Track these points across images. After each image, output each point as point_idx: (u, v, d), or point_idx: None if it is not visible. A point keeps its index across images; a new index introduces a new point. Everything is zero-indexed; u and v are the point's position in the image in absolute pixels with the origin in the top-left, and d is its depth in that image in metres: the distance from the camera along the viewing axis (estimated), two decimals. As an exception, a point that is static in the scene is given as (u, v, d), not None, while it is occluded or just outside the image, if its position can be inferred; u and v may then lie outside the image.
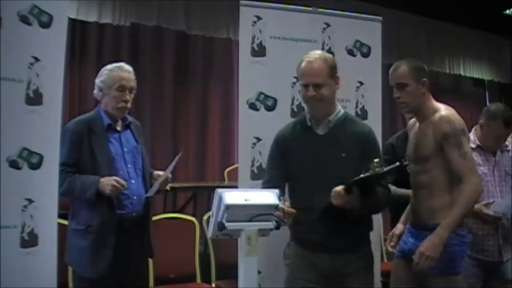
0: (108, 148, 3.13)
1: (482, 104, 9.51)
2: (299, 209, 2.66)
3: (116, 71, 3.21)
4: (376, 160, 2.56)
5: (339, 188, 2.63)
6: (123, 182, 3.01)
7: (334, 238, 2.79)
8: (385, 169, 2.57)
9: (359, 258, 2.88)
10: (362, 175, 2.56)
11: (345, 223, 2.76)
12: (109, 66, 3.26)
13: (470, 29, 9.68)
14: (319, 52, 3.04)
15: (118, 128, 3.23)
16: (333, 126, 2.90)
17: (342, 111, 2.95)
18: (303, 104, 3.08)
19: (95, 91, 3.25)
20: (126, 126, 3.28)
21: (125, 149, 3.20)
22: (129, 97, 3.21)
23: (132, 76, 3.24)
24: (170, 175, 3.24)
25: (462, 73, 10.10)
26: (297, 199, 2.85)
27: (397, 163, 2.62)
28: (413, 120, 3.10)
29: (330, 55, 3.02)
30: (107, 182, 2.98)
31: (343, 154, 2.83)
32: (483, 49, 10.11)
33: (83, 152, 3.09)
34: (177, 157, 3.17)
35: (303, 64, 2.88)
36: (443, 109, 2.90)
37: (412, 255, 2.76)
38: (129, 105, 3.22)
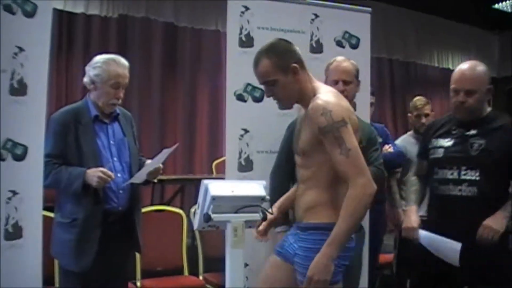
0: (94, 140, 3.08)
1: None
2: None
3: (112, 66, 3.11)
4: None
5: None
6: (109, 173, 2.97)
7: None
8: None
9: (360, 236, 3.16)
10: None
11: None
12: (103, 57, 3.15)
13: (459, 23, 9.70)
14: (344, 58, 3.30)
15: (106, 120, 3.18)
16: None
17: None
18: None
19: (86, 80, 3.15)
20: (114, 118, 3.22)
21: (111, 142, 3.15)
22: (122, 94, 3.15)
23: (127, 71, 3.17)
24: (161, 166, 3.19)
25: (450, 66, 10.12)
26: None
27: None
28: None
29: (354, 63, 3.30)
30: (94, 174, 2.94)
31: (361, 144, 2.91)
32: (472, 43, 10.15)
33: (69, 143, 3.03)
34: (174, 147, 3.11)
35: (336, 63, 3.25)
36: (320, 95, 2.46)
37: (290, 257, 2.52)
38: (120, 101, 3.17)
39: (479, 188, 2.88)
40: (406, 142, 4.49)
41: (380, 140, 4.66)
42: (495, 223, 2.81)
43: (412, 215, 3.10)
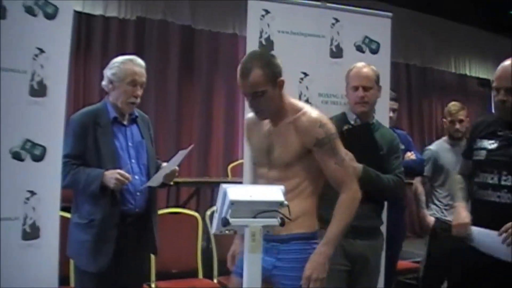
0: (113, 141, 3.08)
1: (487, 104, 9.53)
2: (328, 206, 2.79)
3: (128, 64, 3.13)
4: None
5: None
6: (127, 175, 2.97)
7: (362, 224, 2.93)
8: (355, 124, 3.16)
9: (378, 243, 3.22)
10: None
11: (370, 210, 3.07)
12: (120, 58, 3.17)
13: (476, 29, 9.64)
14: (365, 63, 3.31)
15: (124, 122, 3.18)
16: (373, 126, 3.22)
17: (375, 118, 3.31)
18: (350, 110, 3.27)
19: (104, 83, 3.16)
20: (133, 120, 3.23)
21: (129, 144, 3.14)
22: (139, 92, 3.14)
23: (144, 70, 3.17)
24: (177, 168, 3.18)
25: (467, 72, 10.08)
26: (329, 197, 2.89)
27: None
28: (250, 117, 2.76)
29: (375, 68, 3.29)
30: (111, 175, 2.94)
31: (381, 152, 3.14)
32: (489, 49, 10.06)
33: (87, 145, 3.03)
34: (189, 148, 3.12)
35: (355, 69, 3.24)
36: (307, 110, 2.59)
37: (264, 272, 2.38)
38: (138, 100, 3.16)
39: None
40: (440, 147, 4.44)
41: (402, 147, 4.64)
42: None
43: (462, 211, 2.93)
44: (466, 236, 2.87)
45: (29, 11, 3.08)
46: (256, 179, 2.76)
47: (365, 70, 3.22)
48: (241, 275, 2.41)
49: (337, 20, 3.70)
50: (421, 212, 4.47)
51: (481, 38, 9.93)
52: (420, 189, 4.46)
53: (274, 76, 2.52)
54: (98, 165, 3.02)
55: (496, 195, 2.79)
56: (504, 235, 2.65)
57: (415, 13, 8.83)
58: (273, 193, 2.23)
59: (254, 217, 2.18)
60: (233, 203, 2.11)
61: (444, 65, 9.81)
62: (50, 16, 3.14)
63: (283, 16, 3.60)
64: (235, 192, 2.13)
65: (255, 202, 2.16)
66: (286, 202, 2.22)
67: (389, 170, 3.15)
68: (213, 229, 2.23)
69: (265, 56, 2.62)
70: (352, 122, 3.20)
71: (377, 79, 3.24)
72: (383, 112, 3.73)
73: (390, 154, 3.19)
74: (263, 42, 3.56)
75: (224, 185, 2.15)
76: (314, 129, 2.51)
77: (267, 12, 3.55)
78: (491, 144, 2.88)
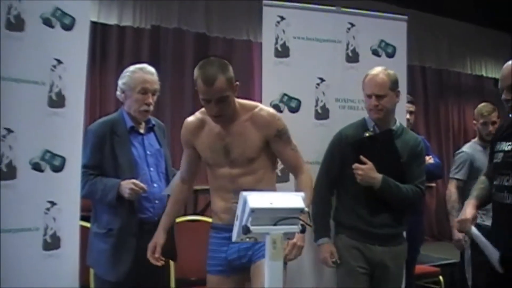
0: (130, 150, 3.11)
1: (503, 105, 9.43)
2: (348, 212, 3.18)
3: (138, 73, 3.16)
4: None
5: (355, 165, 3.06)
6: (141, 185, 2.98)
7: (381, 231, 3.14)
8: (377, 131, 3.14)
9: (399, 250, 3.25)
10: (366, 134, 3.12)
11: (389, 219, 3.15)
12: (131, 68, 3.21)
13: (491, 29, 9.57)
14: (382, 67, 3.25)
15: (141, 131, 3.20)
16: (394, 133, 3.20)
17: (399, 123, 3.29)
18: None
19: (118, 93, 3.21)
20: (150, 129, 3.24)
21: (148, 152, 3.17)
22: (151, 100, 3.16)
23: (155, 78, 3.20)
24: None
25: (484, 73, 10.00)
26: (348, 203, 3.24)
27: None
28: (192, 121, 2.91)
29: (392, 71, 3.25)
30: (126, 185, 2.97)
31: (402, 160, 3.15)
32: (505, 49, 9.98)
33: (105, 154, 3.07)
34: None
35: (369, 76, 3.20)
36: (262, 106, 2.89)
37: (244, 260, 2.82)
38: (151, 108, 3.18)
39: None
40: (473, 149, 4.31)
41: None
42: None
43: (468, 207, 2.85)
44: (467, 232, 2.85)
45: (47, 22, 3.09)
46: (216, 180, 2.88)
47: (379, 77, 3.17)
48: (222, 272, 2.85)
49: (352, 25, 3.70)
50: (452, 222, 4.06)
51: (497, 39, 9.86)
52: (454, 197, 4.18)
53: (232, 81, 2.71)
54: (115, 174, 3.05)
55: (510, 198, 2.71)
56: None
57: (429, 15, 8.79)
58: (293, 200, 2.22)
59: (275, 224, 2.16)
60: (253, 210, 2.10)
61: (460, 67, 9.75)
62: (67, 27, 3.15)
63: (298, 22, 3.60)
64: (256, 199, 2.12)
65: (276, 209, 2.15)
66: (306, 209, 2.21)
67: (410, 179, 3.16)
68: (233, 237, 2.22)
69: (223, 62, 2.75)
70: (371, 129, 3.20)
71: (392, 85, 3.19)
72: (400, 115, 3.71)
73: (412, 161, 3.19)
74: (279, 49, 3.56)
75: (244, 193, 2.14)
76: (274, 121, 2.78)
77: (282, 18, 3.56)
78: (507, 146, 2.80)
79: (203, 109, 2.83)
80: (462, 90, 10.01)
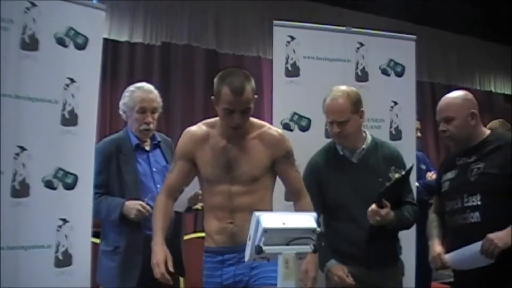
0: (135, 168, 3.14)
1: (517, 120, 9.43)
2: (337, 236, 2.98)
3: (136, 92, 3.19)
4: (392, 167, 2.90)
5: (372, 206, 2.81)
6: (148, 207, 3.00)
7: (373, 254, 2.94)
8: (403, 172, 2.88)
9: (395, 270, 3.10)
10: (387, 184, 2.84)
11: (383, 241, 2.94)
12: (130, 87, 3.24)
13: (500, 45, 9.57)
14: (342, 88, 3.05)
15: (147, 148, 3.22)
16: (365, 152, 3.05)
17: (370, 137, 3.10)
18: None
19: (121, 112, 3.26)
20: (155, 146, 3.26)
21: (154, 169, 3.18)
22: (151, 118, 3.16)
23: (153, 95, 3.20)
24: (199, 191, 3.09)
25: (493, 89, 9.98)
26: (336, 228, 3.04)
27: (410, 164, 2.98)
28: (196, 131, 2.80)
29: (353, 90, 3.06)
30: (133, 207, 3.00)
31: (380, 179, 2.94)
32: (514, 64, 10.00)
33: (111, 173, 3.10)
34: None
35: (328, 101, 3.01)
36: (270, 125, 2.84)
37: (237, 285, 2.70)
38: (152, 126, 3.19)
39: (481, 213, 2.77)
40: None
41: (423, 167, 4.61)
42: (499, 238, 2.64)
43: (434, 245, 2.95)
44: (443, 265, 2.90)
45: (60, 42, 3.14)
46: (212, 197, 2.74)
47: (339, 102, 2.97)
48: None
49: (361, 44, 3.74)
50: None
51: (506, 54, 9.84)
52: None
53: (254, 92, 2.65)
54: (121, 193, 3.08)
55: (462, 218, 2.86)
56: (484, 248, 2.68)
57: (438, 31, 8.81)
58: (306, 220, 2.23)
59: (287, 244, 2.18)
60: (266, 230, 2.12)
61: (469, 82, 9.73)
62: (81, 47, 3.20)
63: (308, 41, 3.65)
64: (268, 219, 2.14)
65: (288, 230, 2.17)
66: (319, 229, 2.23)
67: (402, 198, 3.01)
68: (246, 257, 2.24)
69: (247, 73, 2.69)
70: (340, 152, 3.07)
71: (354, 108, 3.00)
72: (409, 134, 3.74)
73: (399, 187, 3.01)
74: (289, 68, 3.60)
75: (257, 213, 2.16)
76: (284, 141, 2.74)
77: (292, 38, 3.60)
78: (451, 174, 2.98)
79: (207, 121, 2.80)
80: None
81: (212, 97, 2.67)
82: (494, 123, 4.39)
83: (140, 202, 3.01)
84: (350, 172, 3.02)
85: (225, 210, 2.69)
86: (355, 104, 3.00)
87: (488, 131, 2.98)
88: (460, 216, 2.87)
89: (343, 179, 3.01)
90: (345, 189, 2.98)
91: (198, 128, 2.80)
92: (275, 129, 2.81)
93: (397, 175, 2.87)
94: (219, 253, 2.71)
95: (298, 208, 2.77)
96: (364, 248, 2.94)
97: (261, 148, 2.70)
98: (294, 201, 2.85)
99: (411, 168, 2.96)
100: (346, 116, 2.96)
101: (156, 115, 3.21)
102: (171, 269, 2.62)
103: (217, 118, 2.74)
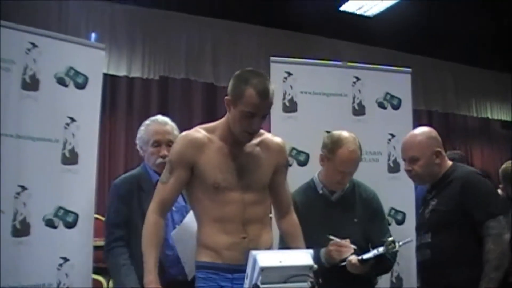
0: None
1: (511, 146, 9.44)
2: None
3: (151, 126, 3.05)
4: (390, 239, 2.71)
5: (355, 259, 2.74)
6: None
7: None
8: (397, 248, 2.71)
9: None
10: (377, 252, 2.71)
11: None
12: (146, 121, 3.09)
13: (496, 72, 9.65)
14: (353, 139, 2.96)
15: None
16: (344, 193, 3.02)
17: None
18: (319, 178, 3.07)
19: (138, 148, 3.09)
20: None
21: (173, 209, 2.87)
22: (166, 151, 2.90)
23: (168, 128, 3.04)
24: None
25: (489, 116, 10.02)
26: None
27: (409, 239, 2.80)
28: (197, 136, 2.50)
29: (357, 139, 2.98)
30: None
31: (355, 219, 2.96)
32: (510, 90, 10.05)
33: (133, 210, 2.86)
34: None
35: (346, 153, 2.88)
36: (267, 132, 2.64)
37: None
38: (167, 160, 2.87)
39: (431, 250, 2.81)
40: None
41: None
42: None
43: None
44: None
45: (61, 81, 3.19)
46: (220, 208, 2.45)
47: (356, 156, 2.92)
48: None
49: (358, 79, 3.77)
50: None
51: (501, 80, 9.92)
52: None
53: None
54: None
55: (420, 254, 2.92)
56: None
57: (434, 59, 8.90)
58: (302, 257, 2.24)
59: (285, 282, 2.18)
60: (263, 269, 2.12)
61: (466, 110, 9.78)
62: (81, 86, 3.26)
63: (305, 77, 3.68)
64: (265, 258, 2.15)
65: (285, 268, 2.17)
66: (315, 266, 2.23)
67: (377, 237, 2.92)
68: (244, 295, 2.24)
69: (267, 75, 2.56)
70: (320, 191, 3.03)
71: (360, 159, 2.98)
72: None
73: (373, 218, 3.03)
74: (287, 104, 3.63)
75: (253, 252, 2.17)
76: (285, 150, 2.68)
77: (289, 74, 3.63)
78: (420, 210, 3.05)
79: (204, 125, 2.56)
80: (469, 133, 10.03)
81: (227, 97, 2.45)
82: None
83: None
84: (328, 210, 2.99)
85: (237, 222, 2.43)
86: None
87: (449, 164, 2.98)
88: (418, 253, 2.95)
89: (321, 217, 2.95)
90: (324, 227, 2.90)
91: (197, 131, 2.52)
92: (276, 137, 2.63)
93: (390, 247, 2.70)
94: (228, 270, 2.42)
95: (287, 226, 2.61)
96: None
97: (265, 155, 2.53)
98: (280, 216, 2.63)
99: (407, 243, 2.80)
100: (355, 168, 2.95)
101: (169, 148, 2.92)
102: None
103: (215, 123, 2.55)
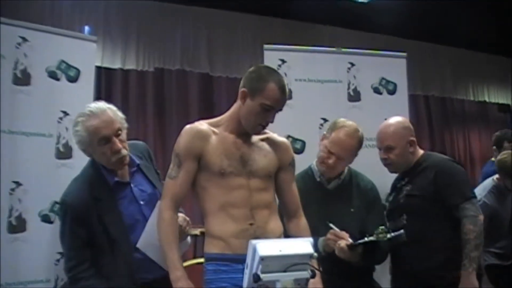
0: (120, 215, 2.53)
1: (507, 130, 9.43)
2: None
3: (89, 121, 2.50)
4: (381, 227, 2.75)
5: (343, 244, 2.76)
6: None
7: (344, 279, 2.84)
8: (388, 237, 2.74)
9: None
10: (366, 239, 2.73)
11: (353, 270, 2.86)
12: (80, 117, 2.55)
13: (493, 55, 9.62)
14: (355, 129, 2.98)
15: (127, 179, 2.61)
16: (341, 182, 3.05)
17: (347, 167, 3.08)
18: (316, 165, 3.07)
19: (81, 151, 2.61)
20: (136, 171, 2.65)
21: (141, 203, 2.60)
22: (119, 143, 2.51)
23: (109, 115, 2.55)
24: (181, 223, 2.60)
25: (486, 99, 10.00)
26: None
27: (402, 231, 2.78)
28: (202, 128, 2.51)
29: (361, 133, 3.00)
30: None
31: (352, 209, 2.98)
32: (507, 73, 10.02)
33: (93, 229, 2.48)
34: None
35: (340, 134, 2.93)
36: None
37: None
38: (124, 151, 2.53)
39: (406, 234, 2.81)
40: None
41: None
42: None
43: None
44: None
45: (52, 75, 3.17)
46: (227, 194, 2.45)
47: (349, 142, 2.93)
48: None
49: (352, 64, 3.76)
50: None
51: (498, 63, 9.90)
52: None
53: None
54: (111, 248, 2.50)
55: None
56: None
57: (430, 44, 8.86)
58: (302, 246, 2.22)
59: (285, 271, 2.17)
60: (263, 258, 2.11)
61: (463, 94, 9.76)
62: (73, 79, 3.24)
63: (300, 64, 3.67)
64: (265, 247, 2.13)
65: (285, 256, 2.15)
66: (316, 254, 2.22)
67: (373, 229, 2.86)
68: (244, 285, 2.22)
69: None
70: (318, 179, 3.05)
71: (356, 151, 3.00)
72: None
73: (370, 209, 3.02)
74: (282, 91, 3.60)
75: (253, 241, 2.15)
76: (291, 149, 2.69)
77: (283, 61, 3.61)
78: (391, 197, 3.21)
79: (207, 120, 2.57)
80: (467, 117, 10.02)
81: (244, 89, 2.49)
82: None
83: None
84: (325, 199, 3.00)
85: (244, 207, 2.44)
86: (359, 146, 3.01)
87: (421, 152, 3.12)
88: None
89: (317, 205, 2.95)
90: (320, 216, 2.89)
91: (200, 124, 2.54)
92: (281, 137, 2.68)
93: (381, 236, 2.73)
94: (239, 261, 2.33)
95: (296, 229, 2.60)
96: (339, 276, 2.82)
97: (270, 149, 2.58)
98: (290, 219, 2.65)
99: (400, 234, 2.79)
100: (347, 155, 2.97)
101: (124, 135, 2.57)
102: None
103: (218, 118, 2.59)
